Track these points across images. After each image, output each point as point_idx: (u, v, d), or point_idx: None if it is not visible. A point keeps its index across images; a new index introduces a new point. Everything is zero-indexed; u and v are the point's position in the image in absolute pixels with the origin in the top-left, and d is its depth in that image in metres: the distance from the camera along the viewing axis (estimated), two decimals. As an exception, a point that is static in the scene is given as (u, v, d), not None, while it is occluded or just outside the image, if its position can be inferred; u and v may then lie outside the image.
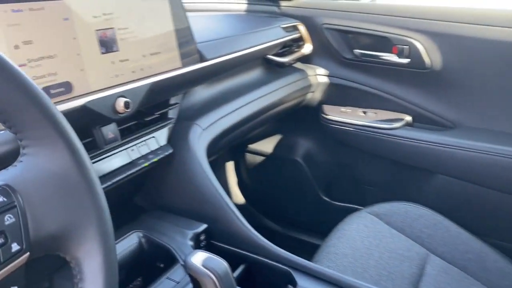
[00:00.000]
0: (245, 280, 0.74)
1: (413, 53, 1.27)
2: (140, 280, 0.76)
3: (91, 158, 0.71)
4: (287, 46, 1.34)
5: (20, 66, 0.57)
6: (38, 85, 0.58)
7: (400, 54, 1.29)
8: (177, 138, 0.86)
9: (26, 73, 0.57)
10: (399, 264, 1.06)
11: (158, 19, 0.79)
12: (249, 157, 1.64)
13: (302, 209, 1.59)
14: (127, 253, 0.75)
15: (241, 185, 1.66)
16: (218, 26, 1.13)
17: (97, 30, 0.68)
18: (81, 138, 0.69)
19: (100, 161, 0.72)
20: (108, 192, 0.75)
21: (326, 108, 1.45)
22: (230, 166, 1.65)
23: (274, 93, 1.22)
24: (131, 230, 0.77)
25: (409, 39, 1.26)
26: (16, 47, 0.56)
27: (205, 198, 0.82)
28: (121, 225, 0.78)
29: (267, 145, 1.60)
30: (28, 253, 0.36)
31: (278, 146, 1.59)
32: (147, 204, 0.88)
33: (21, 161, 0.38)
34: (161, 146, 0.84)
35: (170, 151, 0.84)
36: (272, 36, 1.18)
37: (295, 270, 0.74)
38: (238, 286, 0.68)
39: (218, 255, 0.79)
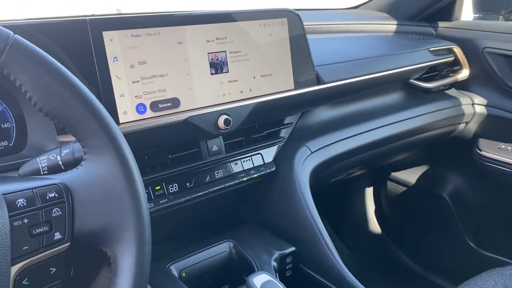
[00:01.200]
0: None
1: None
2: (227, 287, 0.80)
3: (195, 167, 0.78)
4: (438, 70, 1.22)
5: (133, 82, 0.68)
6: (147, 99, 0.68)
7: None
8: (283, 157, 0.88)
9: (138, 89, 0.68)
10: None
11: (275, 43, 0.82)
12: (391, 186, 1.53)
13: (443, 251, 1.41)
14: (217, 258, 0.80)
15: (379, 213, 1.57)
16: (356, 47, 1.10)
17: (209, 53, 0.75)
18: (189, 148, 0.77)
19: (202, 170, 0.79)
20: (212, 201, 0.83)
21: (482, 142, 1.26)
22: (369, 192, 1.58)
23: (412, 120, 1.12)
24: (225, 239, 0.82)
25: None
26: (132, 66, 0.67)
27: (298, 220, 0.82)
28: (217, 233, 0.84)
29: (411, 175, 1.48)
30: (68, 243, 0.43)
31: (423, 178, 1.45)
32: (250, 217, 0.92)
33: (81, 165, 0.46)
34: (265, 163, 0.87)
35: (273, 169, 0.86)
36: (414, 59, 1.10)
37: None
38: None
39: (303, 280, 0.78)
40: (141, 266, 0.45)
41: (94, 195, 0.45)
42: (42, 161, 0.54)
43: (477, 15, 1.36)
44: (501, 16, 1.32)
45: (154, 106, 0.69)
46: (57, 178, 0.45)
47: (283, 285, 0.61)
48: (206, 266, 0.78)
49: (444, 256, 1.41)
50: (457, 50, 1.22)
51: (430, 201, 1.44)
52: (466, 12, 1.35)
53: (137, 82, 0.68)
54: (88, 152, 0.46)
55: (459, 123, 1.26)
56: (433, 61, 1.15)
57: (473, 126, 1.28)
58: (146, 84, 0.69)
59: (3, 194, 0.40)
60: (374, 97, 1.11)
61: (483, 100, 1.25)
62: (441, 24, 1.30)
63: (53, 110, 0.44)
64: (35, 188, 0.42)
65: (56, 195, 0.43)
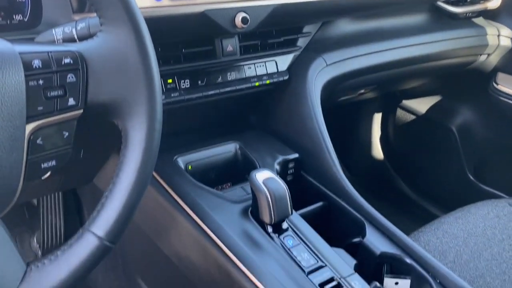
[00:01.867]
0: (318, 217, 0.74)
1: None
2: (230, 184, 0.83)
3: (208, 65, 0.78)
4: (467, -5, 1.17)
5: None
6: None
7: None
8: (297, 67, 0.87)
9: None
10: (520, 270, 0.91)
11: None
12: (400, 113, 1.53)
13: (442, 181, 1.44)
14: (223, 156, 0.82)
15: (384, 139, 1.58)
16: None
17: None
18: (203, 45, 0.76)
19: (215, 70, 0.79)
20: (222, 103, 0.83)
21: (501, 77, 1.23)
22: (377, 117, 1.58)
23: (433, 45, 1.09)
24: (232, 140, 0.84)
25: None
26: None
27: (305, 130, 0.82)
28: (225, 134, 0.85)
29: (422, 105, 1.46)
30: (81, 110, 0.44)
31: (433, 108, 1.44)
32: (257, 124, 0.92)
33: (97, 36, 0.46)
34: (278, 71, 0.86)
35: (286, 77, 0.86)
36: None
37: (369, 223, 0.71)
38: (312, 220, 0.69)
39: (303, 186, 0.81)
40: (151, 142, 0.46)
41: (108, 67, 0.45)
42: (57, 33, 0.53)
43: None
44: None
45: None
46: (72, 46, 0.44)
47: (284, 183, 0.63)
48: (212, 163, 0.80)
49: (442, 186, 1.44)
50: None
51: (437, 132, 1.44)
52: None
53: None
54: (105, 23, 0.45)
55: (481, 54, 1.22)
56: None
57: (494, 59, 1.24)
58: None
59: (20, 53, 0.40)
60: (398, 16, 1.07)
61: (510, 33, 1.20)
62: None
63: None
64: (51, 51, 0.42)
65: (71, 62, 0.43)
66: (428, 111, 1.45)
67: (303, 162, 0.81)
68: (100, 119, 0.47)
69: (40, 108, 0.41)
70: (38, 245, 1.22)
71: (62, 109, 0.43)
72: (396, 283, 0.66)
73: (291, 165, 0.80)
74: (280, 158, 0.80)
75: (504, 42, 1.21)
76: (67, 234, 1.23)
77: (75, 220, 1.20)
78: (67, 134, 0.44)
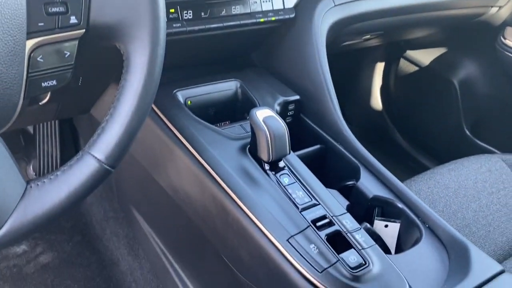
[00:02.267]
0: (315, 159, 0.75)
1: None
2: (228, 122, 0.82)
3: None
4: None
5: None
6: None
7: None
8: (304, 5, 0.84)
9: None
10: (505, 222, 0.94)
11: None
12: (403, 63, 1.51)
13: (438, 134, 1.45)
14: (223, 94, 0.81)
15: (384, 90, 1.56)
16: None
17: None
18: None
19: (219, 2, 0.76)
20: (225, 38, 0.81)
21: (510, 31, 1.20)
22: (380, 67, 1.56)
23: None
24: (234, 78, 0.82)
25: None
26: None
27: (308, 71, 0.81)
28: (226, 72, 0.84)
29: (425, 56, 1.44)
30: (83, 30, 0.43)
31: (437, 60, 1.42)
32: (260, 62, 0.91)
33: None
34: (285, 8, 0.83)
35: (292, 15, 0.83)
36: None
37: (364, 167, 0.72)
38: (309, 162, 0.70)
39: (302, 128, 0.81)
40: (153, 66, 0.45)
41: None
42: None
43: None
44: None
45: None
46: None
47: (284, 122, 0.63)
48: (211, 99, 0.79)
49: (437, 139, 1.45)
50: None
51: (438, 84, 1.42)
52: None
53: None
54: None
55: (492, 6, 1.18)
56: None
57: (505, 12, 1.21)
58: None
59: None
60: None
61: (525, -16, 1.16)
62: None
63: None
64: None
65: None
66: (431, 63, 1.43)
67: (303, 104, 0.81)
68: (102, 41, 0.45)
69: (40, 24, 0.40)
70: (34, 173, 1.23)
71: (64, 27, 0.41)
72: (386, 226, 0.68)
73: (291, 106, 0.80)
74: (281, 99, 0.79)
75: (518, -5, 1.17)
76: (63, 163, 1.24)
77: (71, 149, 1.20)
78: (68, 54, 0.43)
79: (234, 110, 0.82)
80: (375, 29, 1.07)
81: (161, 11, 0.45)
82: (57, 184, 0.43)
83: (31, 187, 0.42)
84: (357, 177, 0.71)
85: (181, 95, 0.76)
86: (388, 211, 0.68)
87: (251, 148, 0.67)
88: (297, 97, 0.80)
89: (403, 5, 0.96)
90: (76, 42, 0.43)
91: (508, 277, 0.54)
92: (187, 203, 0.73)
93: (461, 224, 0.89)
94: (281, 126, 0.62)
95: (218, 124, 0.80)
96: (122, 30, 0.44)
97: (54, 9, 0.40)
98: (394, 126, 1.56)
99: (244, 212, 0.60)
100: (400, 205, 0.67)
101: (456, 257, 0.58)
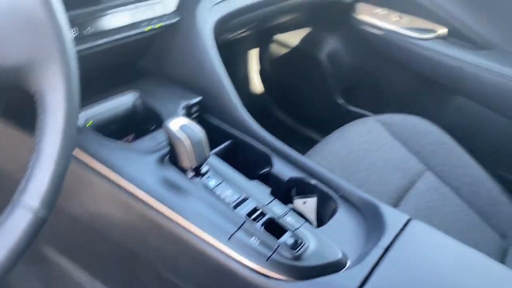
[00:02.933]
0: (229, 155, 0.78)
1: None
2: (133, 135, 0.81)
3: (92, 13, 0.72)
4: None
5: None
6: None
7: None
8: (186, 8, 0.85)
9: None
10: (390, 174, 1.08)
11: None
12: (274, 47, 1.61)
13: (316, 107, 1.59)
14: (122, 109, 0.79)
15: (262, 73, 1.65)
16: None
17: None
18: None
19: (101, 18, 0.73)
20: (111, 52, 0.78)
21: (360, 7, 1.36)
22: (254, 53, 1.64)
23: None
24: (129, 89, 0.80)
25: None
26: None
27: (203, 72, 0.83)
28: (121, 84, 0.82)
29: (293, 38, 1.56)
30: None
31: (303, 41, 1.54)
32: (151, 68, 0.90)
33: None
34: (168, 13, 0.83)
35: (177, 19, 0.84)
36: None
37: (274, 153, 0.77)
38: (224, 159, 0.72)
39: (208, 128, 0.83)
40: (71, 101, 0.43)
41: (10, 27, 0.40)
42: None
43: None
44: None
45: None
46: None
47: (201, 127, 0.64)
48: (112, 115, 0.77)
49: (317, 113, 1.59)
50: None
51: (308, 61, 1.55)
52: None
53: None
54: None
55: (342, -14, 1.33)
56: None
57: (353, -10, 1.36)
58: None
59: None
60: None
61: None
62: None
63: None
64: None
65: None
66: (299, 43, 1.55)
67: (206, 104, 0.83)
68: (11, 86, 0.42)
69: None
70: None
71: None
72: (304, 203, 0.75)
73: (194, 108, 0.81)
74: (183, 103, 0.80)
75: (360, -26, 1.33)
76: None
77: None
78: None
79: (136, 121, 0.80)
80: (251, 21, 1.12)
81: (69, 43, 0.43)
82: None
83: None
84: (270, 163, 0.76)
85: (80, 117, 0.72)
86: (304, 189, 0.75)
87: (171, 158, 0.67)
88: (199, 98, 0.82)
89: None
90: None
91: (416, 223, 0.64)
92: (111, 228, 0.71)
93: (358, 183, 1.01)
94: (198, 131, 0.64)
95: (125, 139, 0.79)
96: (31, 69, 0.41)
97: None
98: (278, 107, 1.66)
99: (178, 223, 0.61)
100: (312, 181, 0.74)
101: (371, 217, 0.67)
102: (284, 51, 1.59)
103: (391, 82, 1.45)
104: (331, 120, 1.52)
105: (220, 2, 0.89)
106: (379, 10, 1.34)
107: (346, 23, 1.39)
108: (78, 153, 0.67)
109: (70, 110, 0.43)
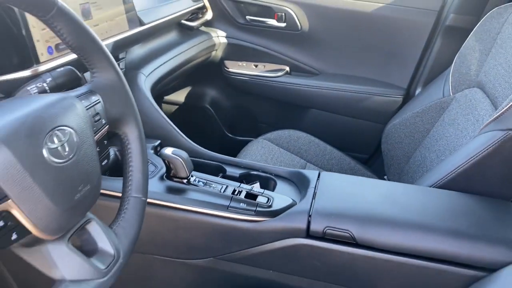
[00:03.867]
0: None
1: (288, 19, 1.72)
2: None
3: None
4: (194, 13, 1.69)
5: (42, 30, 0.86)
6: (53, 42, 0.88)
7: (279, 20, 1.73)
8: (129, 83, 1.18)
9: (46, 34, 0.87)
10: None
11: (112, -5, 1.09)
12: (165, 107, 1.97)
13: (212, 145, 1.98)
14: (109, 162, 1.07)
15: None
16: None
17: (80, 4, 0.97)
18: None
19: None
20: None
21: (227, 63, 1.84)
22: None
23: (189, 50, 1.57)
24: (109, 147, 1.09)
25: (285, 8, 1.71)
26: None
27: (156, 124, 1.17)
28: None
29: (180, 96, 1.95)
30: (107, 126, 0.70)
31: (189, 96, 1.95)
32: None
33: (94, 78, 0.70)
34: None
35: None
36: (183, 5, 1.53)
37: (224, 164, 1.13)
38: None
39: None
40: (143, 136, 0.76)
41: (108, 95, 0.71)
42: (32, 89, 0.72)
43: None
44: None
45: (57, 47, 0.89)
46: (84, 88, 0.69)
47: (183, 151, 0.99)
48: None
49: (215, 144, 1.99)
50: (203, -3, 1.72)
51: (197, 111, 1.96)
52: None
53: (45, 29, 0.86)
54: (97, 71, 0.70)
55: (212, 51, 1.79)
56: (193, 6, 1.61)
57: (220, 53, 1.83)
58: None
59: (77, 96, 0.64)
60: (164, 35, 1.50)
61: (224, 33, 1.81)
62: (187, -22, 1.75)
63: (78, 47, 0.66)
64: (80, 95, 0.66)
65: (95, 97, 0.68)
66: (186, 98, 1.95)
67: (165, 145, 1.16)
68: (112, 131, 0.73)
69: (94, 128, 0.66)
70: None
71: (100, 127, 0.68)
72: (252, 188, 1.13)
73: (158, 148, 1.14)
74: (150, 146, 1.12)
75: (222, 40, 1.81)
76: None
77: None
78: (106, 142, 0.70)
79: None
80: (164, 87, 1.49)
81: (135, 105, 0.75)
82: (124, 228, 0.69)
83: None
84: (223, 171, 1.12)
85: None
86: (248, 178, 1.13)
87: (168, 176, 0.99)
88: (159, 141, 1.14)
89: (177, 64, 1.43)
90: (106, 135, 0.70)
91: (325, 173, 1.07)
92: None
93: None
94: (185, 153, 0.98)
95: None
96: (121, 119, 0.72)
97: (96, 118, 0.66)
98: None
99: (189, 210, 0.94)
100: (253, 172, 1.12)
101: (298, 179, 1.08)
102: (174, 108, 1.97)
103: (261, 111, 1.94)
104: (227, 151, 1.94)
105: (150, 74, 1.25)
106: (241, 63, 1.84)
107: (220, 76, 1.85)
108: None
109: (142, 140, 0.75)
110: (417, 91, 1.68)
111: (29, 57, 0.83)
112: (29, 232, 0.53)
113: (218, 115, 1.95)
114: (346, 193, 0.97)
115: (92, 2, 1.02)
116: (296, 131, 1.69)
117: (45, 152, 0.54)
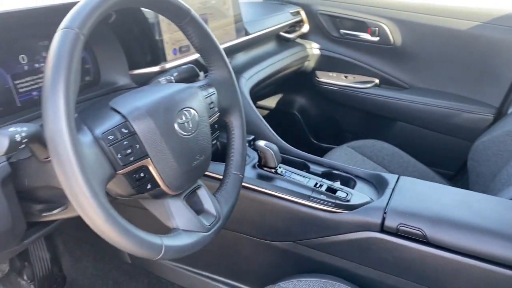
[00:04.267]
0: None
1: (382, 34, 1.80)
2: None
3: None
4: (292, 26, 1.84)
5: (171, 33, 1.05)
6: (177, 45, 1.07)
7: (372, 34, 1.82)
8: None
9: (173, 38, 1.06)
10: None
11: (225, 8, 1.27)
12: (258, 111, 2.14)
13: (299, 147, 2.11)
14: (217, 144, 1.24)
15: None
16: (249, 11, 1.61)
17: (200, 14, 1.16)
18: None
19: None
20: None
21: (318, 73, 1.96)
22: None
23: (285, 59, 1.72)
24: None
25: (379, 23, 1.79)
26: (169, 24, 1.04)
27: (252, 121, 1.32)
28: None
29: (271, 102, 2.11)
30: (218, 113, 0.85)
31: (280, 103, 2.10)
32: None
33: (212, 74, 0.87)
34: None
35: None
36: (284, 18, 1.68)
37: (309, 162, 1.25)
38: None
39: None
40: (244, 127, 0.91)
41: (223, 88, 0.87)
42: (162, 81, 0.90)
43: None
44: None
45: (180, 49, 1.08)
46: (204, 81, 0.85)
47: (274, 145, 1.12)
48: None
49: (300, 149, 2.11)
50: (301, 12, 1.86)
51: (286, 117, 2.10)
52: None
53: (172, 34, 1.06)
54: (214, 69, 0.87)
55: (305, 61, 1.92)
56: (292, 20, 1.76)
57: (312, 63, 1.96)
58: (175, 34, 1.07)
59: (199, 87, 0.80)
60: (264, 44, 1.66)
61: (318, 46, 1.93)
62: (287, -6, 1.92)
63: (202, 48, 0.83)
64: (201, 86, 0.82)
65: (211, 89, 0.84)
66: (277, 104, 2.10)
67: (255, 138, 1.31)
68: (221, 118, 0.88)
69: (209, 114, 0.82)
70: (28, 281, 1.36)
71: (212, 114, 0.84)
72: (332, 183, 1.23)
73: (252, 142, 1.29)
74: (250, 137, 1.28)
75: (315, 52, 1.94)
76: (53, 265, 1.41)
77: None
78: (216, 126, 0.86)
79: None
80: (261, 90, 1.65)
81: (241, 100, 0.91)
82: (227, 192, 0.84)
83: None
84: (307, 168, 1.24)
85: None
86: (330, 177, 1.23)
87: (260, 165, 1.14)
88: (253, 136, 1.29)
89: (272, 72, 1.58)
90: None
91: (404, 177, 1.14)
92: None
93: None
94: (275, 146, 1.12)
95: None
96: (229, 109, 0.88)
97: (212, 105, 0.82)
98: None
99: (275, 196, 1.07)
100: (335, 171, 1.23)
101: (377, 181, 1.16)
102: (265, 113, 2.14)
103: (347, 120, 2.03)
104: (311, 153, 2.06)
105: (249, 78, 1.41)
106: (331, 74, 1.95)
107: (310, 85, 1.98)
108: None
109: (243, 129, 0.90)
110: (510, 110, 1.66)
111: (159, 56, 1.03)
112: (158, 185, 0.70)
113: (305, 121, 2.08)
114: (422, 195, 1.04)
115: (210, 14, 1.20)
116: (380, 142, 1.75)
117: (175, 126, 0.70)
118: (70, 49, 0.56)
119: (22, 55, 0.84)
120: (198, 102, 0.77)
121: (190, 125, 0.73)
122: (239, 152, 0.89)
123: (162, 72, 0.99)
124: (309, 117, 2.08)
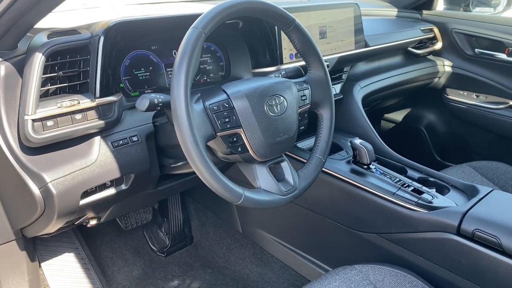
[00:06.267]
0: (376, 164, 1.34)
1: (520, 54, 1.73)
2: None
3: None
4: (423, 42, 1.89)
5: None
6: (293, 51, 1.27)
7: (509, 54, 1.76)
8: (346, 90, 1.51)
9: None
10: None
11: (346, 22, 1.44)
12: (384, 124, 2.22)
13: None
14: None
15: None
16: (378, 26, 1.73)
17: (319, 26, 1.35)
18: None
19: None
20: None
21: (449, 90, 1.96)
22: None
23: (409, 73, 1.79)
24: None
25: (518, 43, 1.73)
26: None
27: (359, 124, 1.45)
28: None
29: (398, 116, 2.16)
30: (309, 105, 1.03)
31: (406, 117, 2.15)
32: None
33: (310, 73, 1.05)
34: (335, 93, 1.49)
35: (341, 96, 1.49)
36: (412, 34, 1.76)
37: (407, 167, 1.32)
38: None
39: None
40: (333, 119, 1.06)
41: (317, 85, 1.04)
42: (271, 76, 1.12)
43: (446, 6, 2.04)
44: (461, 8, 2.01)
45: (296, 55, 1.29)
46: (301, 78, 1.04)
47: (369, 144, 1.24)
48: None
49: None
50: (435, 29, 1.90)
51: (411, 132, 2.13)
52: (440, 3, 2.02)
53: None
54: (312, 69, 1.05)
55: (434, 78, 1.94)
56: (422, 36, 1.82)
57: (442, 80, 1.97)
58: (294, 43, 1.28)
59: (294, 82, 1.00)
60: (388, 57, 1.77)
61: (450, 63, 1.94)
62: (424, 12, 1.97)
63: (303, 51, 1.02)
64: (296, 82, 1.01)
65: (305, 85, 1.02)
66: (403, 119, 2.15)
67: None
68: (313, 112, 1.06)
69: (300, 104, 1.00)
70: (165, 234, 1.72)
71: (302, 106, 1.02)
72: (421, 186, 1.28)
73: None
74: (348, 140, 1.41)
75: (447, 69, 1.95)
76: (185, 224, 1.75)
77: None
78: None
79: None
80: (380, 98, 1.76)
81: (333, 96, 1.07)
82: (307, 172, 1.00)
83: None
84: (404, 172, 1.31)
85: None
86: (426, 183, 1.28)
87: (354, 161, 1.27)
88: (357, 138, 1.42)
89: (392, 83, 1.68)
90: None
91: (498, 191, 1.14)
92: (316, 204, 1.29)
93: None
94: (369, 145, 1.24)
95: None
96: (320, 103, 1.05)
97: (303, 97, 1.01)
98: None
99: (365, 189, 1.18)
100: (431, 179, 1.28)
101: (469, 191, 1.18)
102: (391, 126, 2.20)
103: (475, 140, 1.97)
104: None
105: (364, 86, 1.55)
106: (462, 92, 1.93)
107: (439, 102, 1.98)
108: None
109: (332, 121, 1.06)
110: None
111: (277, 59, 1.25)
112: (247, 150, 0.91)
113: (431, 137, 2.08)
114: (507, 207, 1.04)
115: (329, 26, 1.39)
116: (505, 165, 1.68)
117: (265, 107, 0.91)
118: (194, 42, 0.81)
119: (174, 50, 1.15)
120: (289, 92, 0.96)
121: (278, 109, 0.92)
122: (324, 140, 1.05)
123: (275, 71, 1.22)
124: (435, 133, 2.08)
